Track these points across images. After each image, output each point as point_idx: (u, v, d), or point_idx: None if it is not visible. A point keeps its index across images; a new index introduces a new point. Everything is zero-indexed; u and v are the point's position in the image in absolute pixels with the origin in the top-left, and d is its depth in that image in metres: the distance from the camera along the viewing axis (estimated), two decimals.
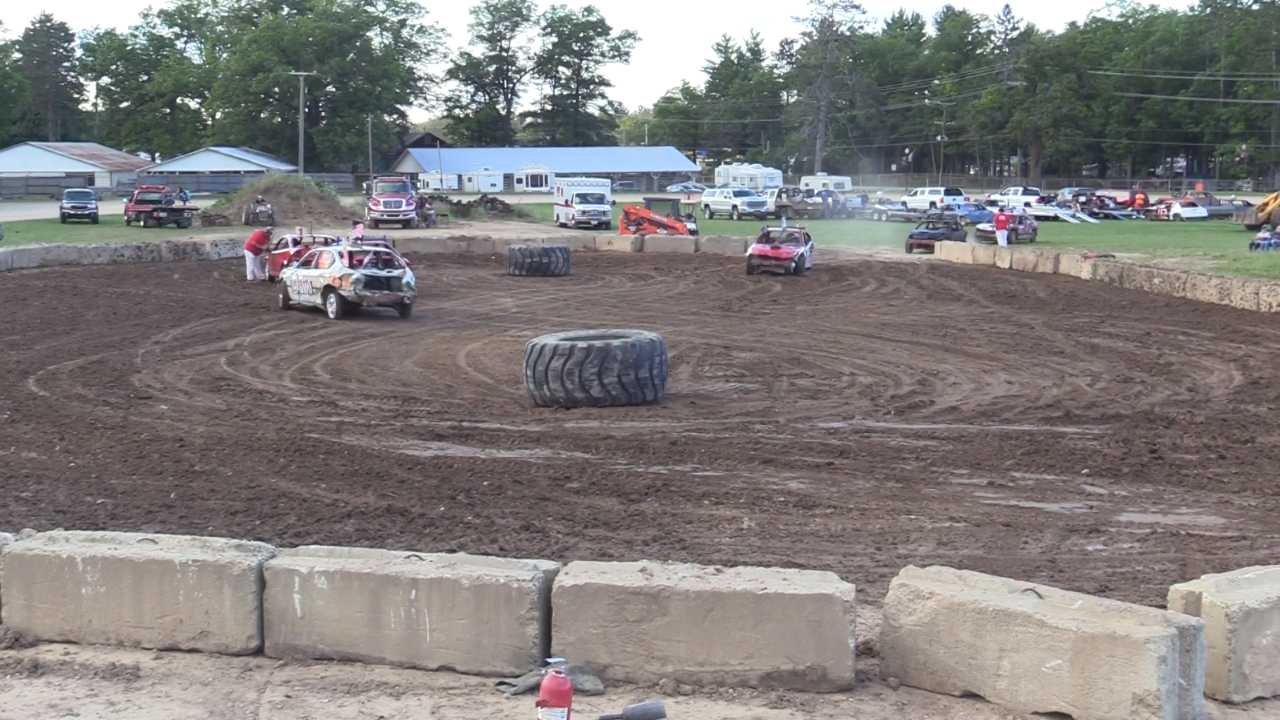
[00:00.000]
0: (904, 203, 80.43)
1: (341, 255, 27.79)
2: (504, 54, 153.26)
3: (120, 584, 7.20)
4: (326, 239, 34.99)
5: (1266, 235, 47.11)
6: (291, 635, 7.06)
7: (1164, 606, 6.78)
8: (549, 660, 6.33)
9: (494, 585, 6.79)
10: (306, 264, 28.42)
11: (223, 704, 6.49)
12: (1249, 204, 69.55)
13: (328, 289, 26.75)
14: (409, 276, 27.38)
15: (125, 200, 66.87)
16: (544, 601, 6.79)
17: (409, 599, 6.88)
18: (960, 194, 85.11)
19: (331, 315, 26.41)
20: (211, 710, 6.41)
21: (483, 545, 10.03)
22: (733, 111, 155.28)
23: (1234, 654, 6.44)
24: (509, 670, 6.77)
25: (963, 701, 6.48)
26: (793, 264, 37.38)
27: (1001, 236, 47.74)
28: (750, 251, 38.99)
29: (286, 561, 7.20)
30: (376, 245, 31.22)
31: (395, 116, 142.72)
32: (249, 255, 35.45)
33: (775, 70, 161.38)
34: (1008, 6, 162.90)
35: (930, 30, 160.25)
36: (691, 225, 55.93)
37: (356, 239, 35.83)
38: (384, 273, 27.09)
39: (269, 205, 59.63)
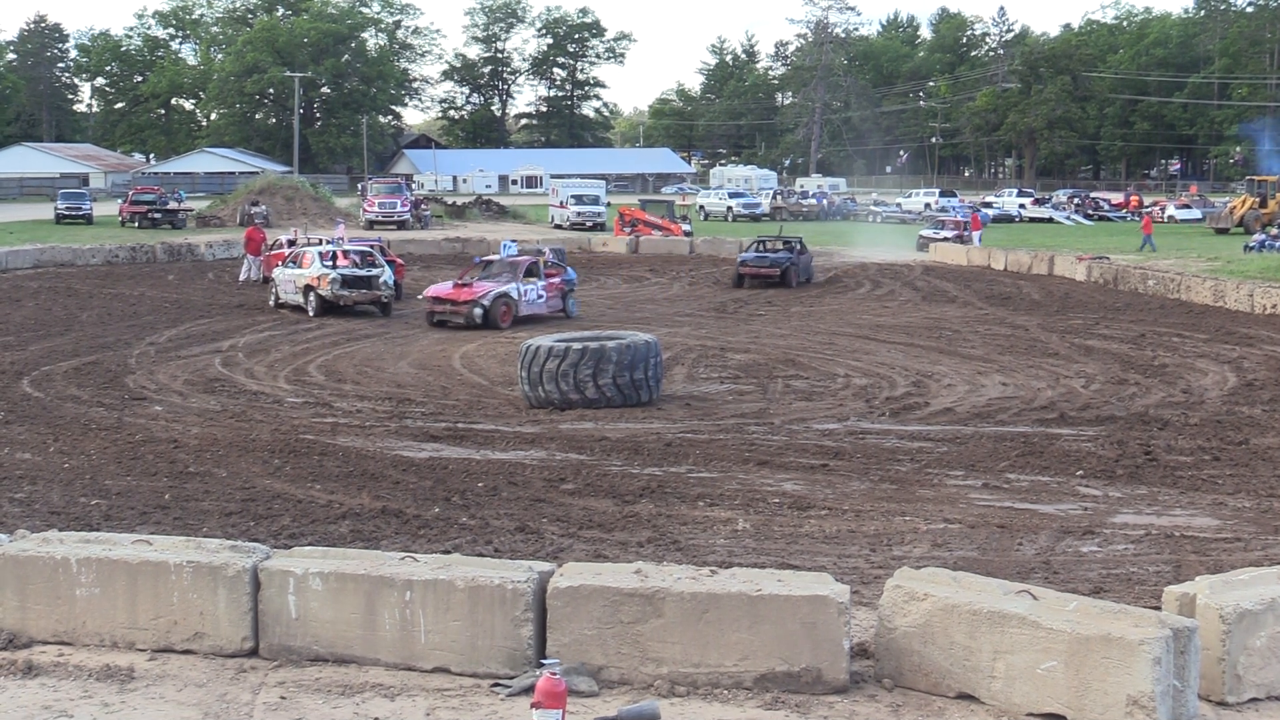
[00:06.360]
0: (899, 204, 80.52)
1: (322, 255, 28.33)
2: (499, 55, 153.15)
3: (115, 585, 7.19)
4: (323, 239, 35.21)
5: (1262, 237, 47.21)
6: (286, 636, 7.06)
7: (1158, 608, 6.79)
8: (544, 661, 6.32)
9: (489, 587, 6.79)
10: (294, 264, 28.82)
11: (217, 705, 6.48)
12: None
13: (308, 288, 27.32)
14: (387, 275, 27.98)
15: (120, 201, 66.71)
16: (539, 603, 6.79)
17: (404, 600, 6.88)
18: (955, 195, 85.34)
19: (311, 313, 26.93)
20: (206, 712, 6.41)
21: (477, 547, 10.02)
22: (727, 113, 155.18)
23: (1228, 655, 6.45)
24: (504, 672, 6.76)
25: (957, 703, 6.48)
26: (478, 310, 24.96)
27: (976, 237, 47.80)
28: (423, 294, 27.12)
29: (281, 563, 7.19)
30: (360, 245, 31.51)
31: (390, 118, 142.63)
32: (249, 257, 35.44)
33: (770, 72, 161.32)
34: (1002, 8, 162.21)
35: (925, 32, 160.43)
36: (686, 227, 55.88)
37: (338, 238, 36.07)
38: (361, 272, 27.69)
39: (264, 206, 59.56)
